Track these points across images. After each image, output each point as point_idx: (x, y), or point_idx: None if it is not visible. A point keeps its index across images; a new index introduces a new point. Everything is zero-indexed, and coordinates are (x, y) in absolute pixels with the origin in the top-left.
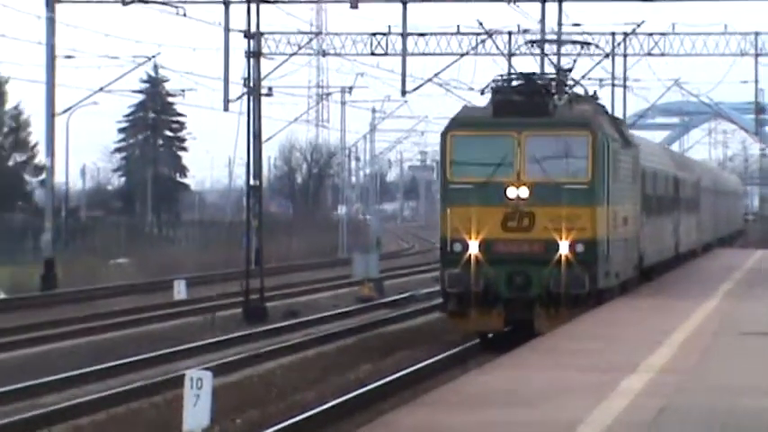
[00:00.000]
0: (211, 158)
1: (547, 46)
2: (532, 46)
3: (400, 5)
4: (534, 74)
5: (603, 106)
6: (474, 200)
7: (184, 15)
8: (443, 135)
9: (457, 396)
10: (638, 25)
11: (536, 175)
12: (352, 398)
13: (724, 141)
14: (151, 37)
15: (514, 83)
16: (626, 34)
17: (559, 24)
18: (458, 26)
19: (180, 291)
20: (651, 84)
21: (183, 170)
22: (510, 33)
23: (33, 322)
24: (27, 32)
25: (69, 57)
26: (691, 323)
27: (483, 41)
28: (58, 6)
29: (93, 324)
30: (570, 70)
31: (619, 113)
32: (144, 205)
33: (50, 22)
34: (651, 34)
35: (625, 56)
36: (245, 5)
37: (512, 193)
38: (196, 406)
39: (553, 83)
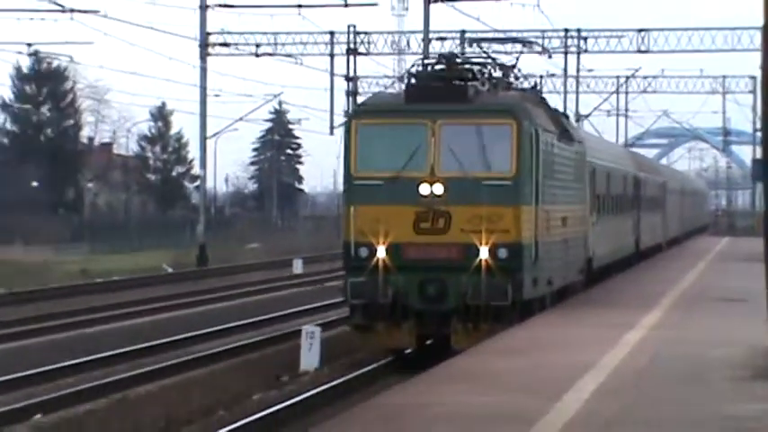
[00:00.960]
0: (321, 169)
1: (494, 46)
2: (476, 45)
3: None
4: (456, 55)
5: (542, 98)
6: (382, 198)
7: (301, 64)
8: (347, 124)
9: None
10: (636, 71)
11: (452, 170)
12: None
13: (700, 157)
14: (277, 80)
15: (434, 67)
16: (627, 77)
17: (577, 71)
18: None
19: (297, 267)
20: (645, 114)
21: (299, 178)
22: (541, 77)
23: (193, 290)
24: (186, 77)
25: (217, 95)
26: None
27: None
28: (209, 58)
29: (236, 291)
30: (513, 67)
31: (621, 138)
32: (270, 204)
33: (203, 71)
34: (646, 77)
35: (626, 93)
36: (345, 57)
37: (425, 189)
38: (310, 351)
39: (477, 68)
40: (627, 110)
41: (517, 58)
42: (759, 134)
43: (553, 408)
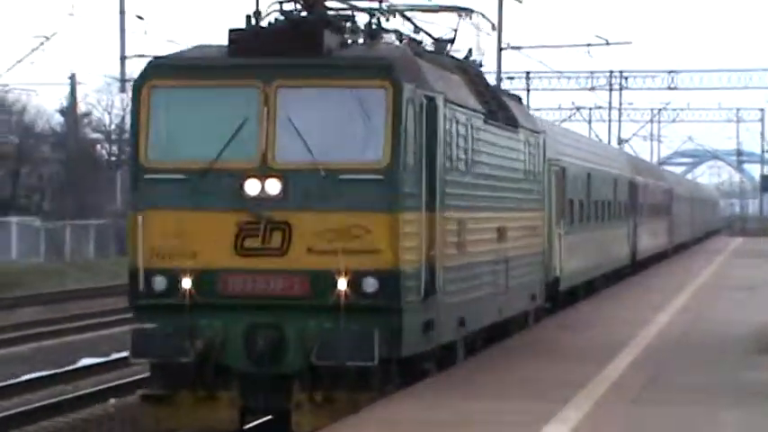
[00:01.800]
0: None
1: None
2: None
3: None
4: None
5: (475, 69)
6: (186, 200)
7: None
8: (136, 88)
9: None
10: (667, 104)
11: (294, 158)
12: None
13: (718, 173)
14: None
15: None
16: (659, 109)
17: (620, 104)
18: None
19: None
20: (674, 138)
21: None
22: (590, 109)
23: None
24: None
25: None
26: None
27: (569, 116)
28: None
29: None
30: (452, 41)
31: (655, 157)
32: None
33: None
34: (674, 109)
35: (659, 122)
36: None
37: (252, 188)
38: None
39: (348, 22)
40: (659, 135)
41: (455, 31)
42: (767, 155)
43: None
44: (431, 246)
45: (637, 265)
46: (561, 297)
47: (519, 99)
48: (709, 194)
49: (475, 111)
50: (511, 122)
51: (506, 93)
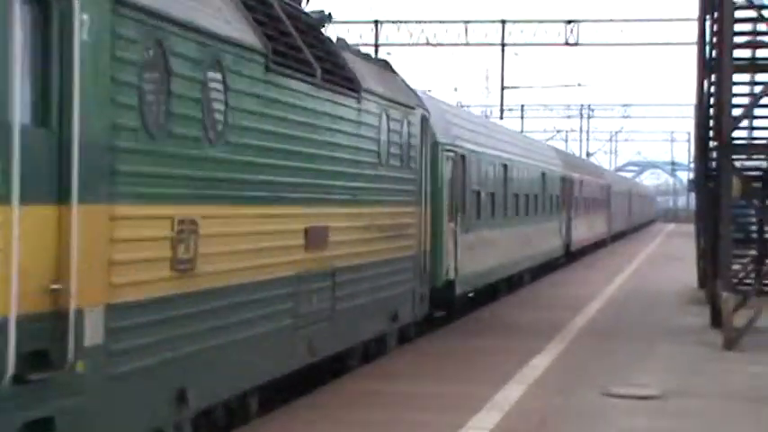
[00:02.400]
0: None
1: None
2: None
3: None
4: None
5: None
6: None
7: None
8: None
9: None
10: (621, 129)
11: None
12: None
13: (657, 177)
14: None
15: None
16: (616, 132)
17: (588, 128)
18: None
19: None
20: (628, 152)
21: None
22: (566, 132)
23: None
24: None
25: None
26: None
27: (552, 137)
28: None
29: None
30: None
31: (612, 167)
32: None
33: None
34: (627, 132)
35: (616, 141)
36: None
37: None
38: None
39: None
40: (616, 150)
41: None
42: (692, 165)
43: None
44: (62, 270)
45: (571, 255)
46: (459, 302)
47: (386, 64)
48: (647, 191)
49: (237, 45)
50: (348, 86)
51: (363, 54)
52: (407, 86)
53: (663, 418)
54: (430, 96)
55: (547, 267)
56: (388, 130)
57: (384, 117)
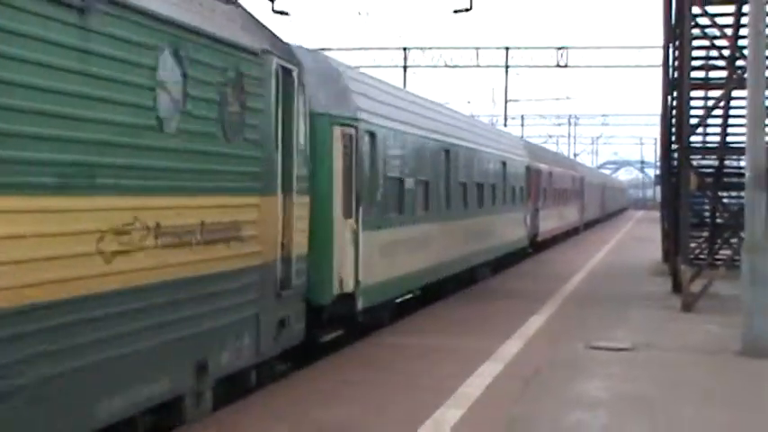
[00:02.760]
0: None
1: None
2: None
3: None
4: None
5: None
6: None
7: None
8: None
9: None
10: (601, 134)
11: None
12: None
13: (630, 173)
14: None
15: None
16: (597, 137)
17: (575, 133)
18: None
19: None
20: (606, 153)
21: None
22: (557, 137)
23: None
24: None
25: None
26: None
27: (545, 141)
28: None
29: None
30: None
31: (594, 165)
32: None
33: None
34: (607, 137)
35: (597, 144)
36: None
37: None
38: None
39: None
40: (597, 151)
41: None
42: (658, 163)
43: None
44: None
45: (538, 245)
46: (367, 317)
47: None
48: (620, 184)
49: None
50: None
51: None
52: (259, 26)
53: (634, 366)
54: (318, 53)
55: (518, 256)
56: (187, 78)
57: (172, 54)
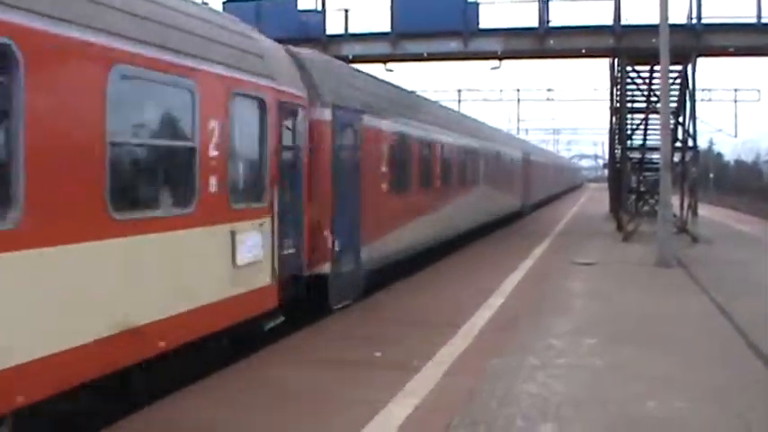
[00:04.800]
0: None
1: None
2: None
3: None
4: None
5: None
6: None
7: None
8: None
9: None
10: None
11: None
12: None
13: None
14: None
15: None
16: (569, 141)
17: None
18: None
19: None
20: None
21: None
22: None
23: None
24: None
25: None
26: None
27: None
28: None
29: None
30: None
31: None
32: None
33: None
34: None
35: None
36: None
37: None
38: None
39: None
40: (570, 149)
41: None
42: (606, 156)
43: None
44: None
45: (492, 225)
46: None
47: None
48: (576, 165)
49: None
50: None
51: None
52: None
53: (598, 272)
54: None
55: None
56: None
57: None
